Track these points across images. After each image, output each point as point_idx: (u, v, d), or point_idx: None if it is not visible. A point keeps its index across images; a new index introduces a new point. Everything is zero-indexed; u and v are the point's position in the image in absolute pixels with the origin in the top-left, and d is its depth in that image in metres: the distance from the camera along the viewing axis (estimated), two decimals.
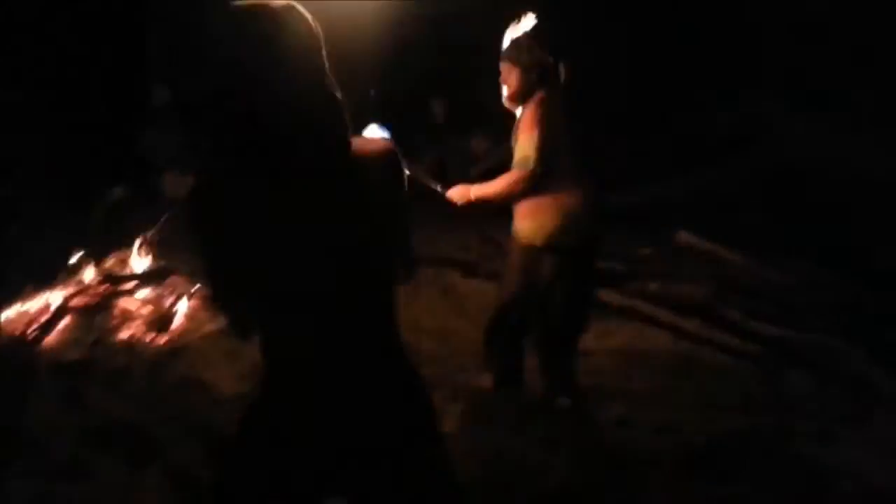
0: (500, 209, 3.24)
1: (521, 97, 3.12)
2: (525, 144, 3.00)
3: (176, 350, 3.80)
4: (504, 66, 3.14)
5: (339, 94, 1.41)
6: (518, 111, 3.20)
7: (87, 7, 6.88)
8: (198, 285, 4.57)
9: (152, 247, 5.00)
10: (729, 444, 3.11)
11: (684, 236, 5.52)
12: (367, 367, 1.49)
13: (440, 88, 7.28)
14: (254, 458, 1.51)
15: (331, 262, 1.40)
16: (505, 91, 3.17)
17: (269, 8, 1.34)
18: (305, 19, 1.37)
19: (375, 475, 1.49)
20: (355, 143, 1.44)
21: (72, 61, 6.62)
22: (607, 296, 4.38)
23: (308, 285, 1.41)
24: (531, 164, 2.98)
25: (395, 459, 1.50)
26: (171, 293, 4.46)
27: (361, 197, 1.42)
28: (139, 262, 4.81)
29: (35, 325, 3.98)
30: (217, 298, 1.51)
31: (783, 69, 6.32)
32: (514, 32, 3.16)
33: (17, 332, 3.94)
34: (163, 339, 3.95)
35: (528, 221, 3.18)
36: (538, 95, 3.03)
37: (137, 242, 4.90)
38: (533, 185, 3.03)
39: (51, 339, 3.89)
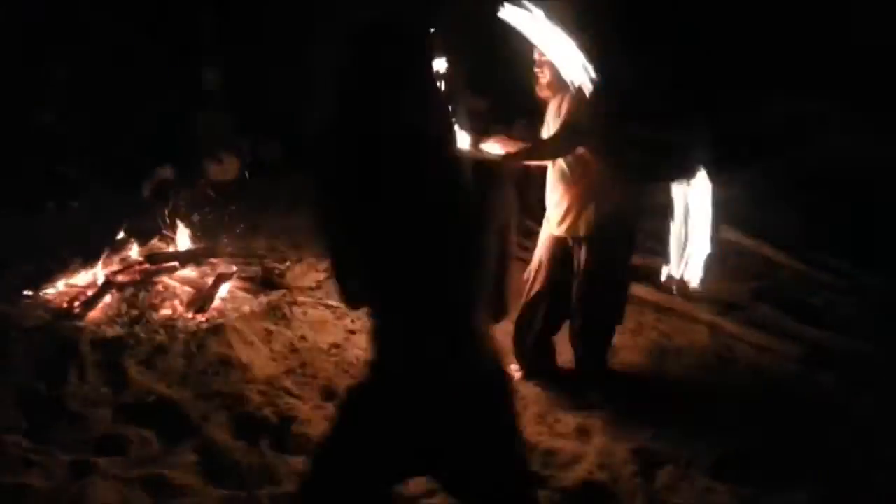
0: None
1: (556, 87, 3.10)
2: (563, 119, 3.07)
3: (214, 329, 3.87)
4: (540, 56, 3.12)
5: (450, 105, 1.63)
6: (553, 101, 3.19)
7: None
8: (237, 266, 4.65)
9: (195, 227, 5.09)
10: (761, 444, 3.06)
11: (727, 232, 5.40)
12: (456, 354, 1.60)
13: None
14: (361, 427, 1.65)
15: (426, 251, 1.56)
16: (541, 79, 3.15)
17: (395, 26, 1.56)
18: (427, 32, 1.61)
19: (465, 456, 1.62)
20: (467, 153, 1.68)
21: (124, 41, 6.76)
22: (644, 291, 4.31)
23: (408, 264, 1.56)
24: (565, 132, 3.07)
25: (483, 443, 1.62)
26: (212, 273, 4.53)
27: (454, 199, 1.55)
28: (182, 241, 4.90)
29: (79, 300, 4.09)
30: (336, 271, 1.66)
31: (830, 68, 6.14)
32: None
33: (62, 306, 4.05)
34: (202, 319, 4.03)
35: (571, 211, 3.18)
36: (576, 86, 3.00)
37: (180, 222, 4.99)
38: (560, 152, 3.14)
39: (94, 313, 3.99)
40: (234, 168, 6.90)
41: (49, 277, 4.33)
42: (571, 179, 3.18)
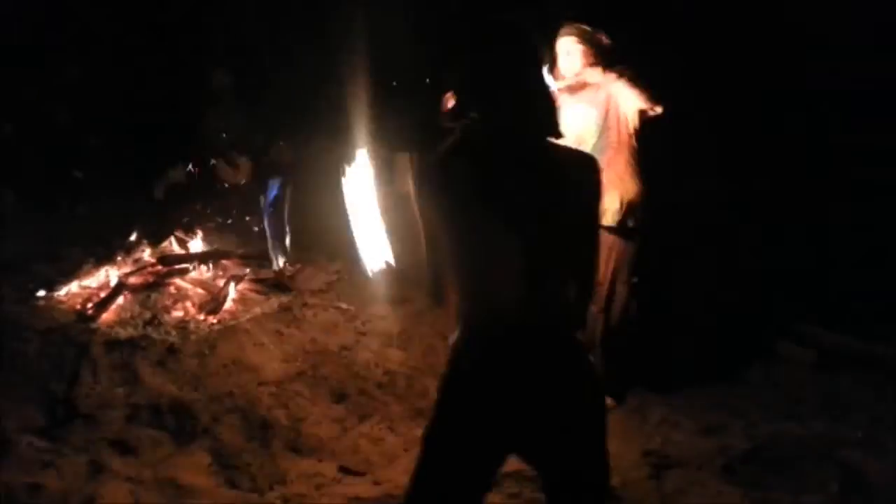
0: None
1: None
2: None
3: (226, 331, 3.90)
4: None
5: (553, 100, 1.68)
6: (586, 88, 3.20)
7: None
8: (248, 269, 4.68)
9: (207, 229, 5.12)
10: (772, 448, 3.03)
11: None
12: (547, 344, 1.64)
13: None
14: (456, 416, 1.66)
15: (523, 240, 1.58)
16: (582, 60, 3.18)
17: (511, 24, 1.63)
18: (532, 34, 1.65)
19: (551, 442, 1.64)
20: (563, 148, 1.66)
21: (132, 42, 6.79)
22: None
23: (502, 258, 1.59)
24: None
25: (570, 431, 1.63)
26: (224, 276, 4.56)
27: (556, 190, 1.60)
28: (194, 243, 4.94)
29: (92, 301, 4.12)
30: (429, 262, 1.76)
31: None
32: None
33: (76, 308, 4.09)
34: (213, 320, 4.05)
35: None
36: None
37: (193, 224, 5.03)
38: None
39: (107, 315, 4.03)
40: (247, 170, 6.91)
41: (62, 279, 4.37)
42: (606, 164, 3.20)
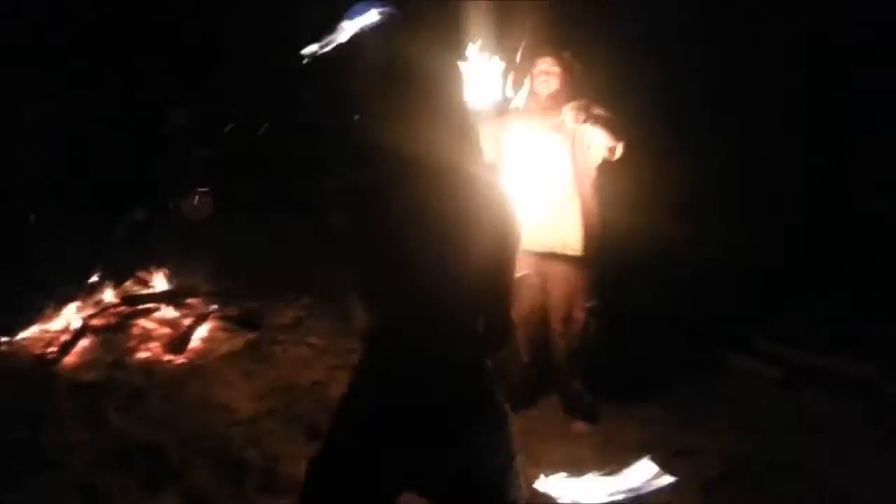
0: None
1: (559, 101, 3.22)
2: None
3: (193, 370, 3.83)
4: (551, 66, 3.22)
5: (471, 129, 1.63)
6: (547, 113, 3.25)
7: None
8: (214, 306, 4.61)
9: (170, 268, 5.05)
10: (748, 466, 3.08)
11: None
12: (451, 370, 1.60)
13: None
14: (347, 442, 1.63)
15: (436, 261, 1.56)
16: (544, 89, 3.24)
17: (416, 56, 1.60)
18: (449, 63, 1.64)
19: (448, 474, 1.61)
20: (481, 170, 1.63)
21: (88, 80, 6.72)
22: None
23: (414, 278, 1.57)
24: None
25: (472, 465, 1.61)
26: (190, 314, 4.49)
27: (468, 210, 1.57)
28: (158, 282, 4.86)
29: (55, 345, 4.02)
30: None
31: None
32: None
33: (37, 352, 3.98)
34: (180, 360, 3.98)
35: (567, 227, 3.25)
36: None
37: (155, 263, 4.96)
38: None
39: (70, 358, 3.93)
40: (208, 207, 6.85)
41: (23, 323, 4.26)
42: (571, 194, 3.24)
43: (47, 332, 4.24)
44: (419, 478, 1.63)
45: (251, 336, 4.34)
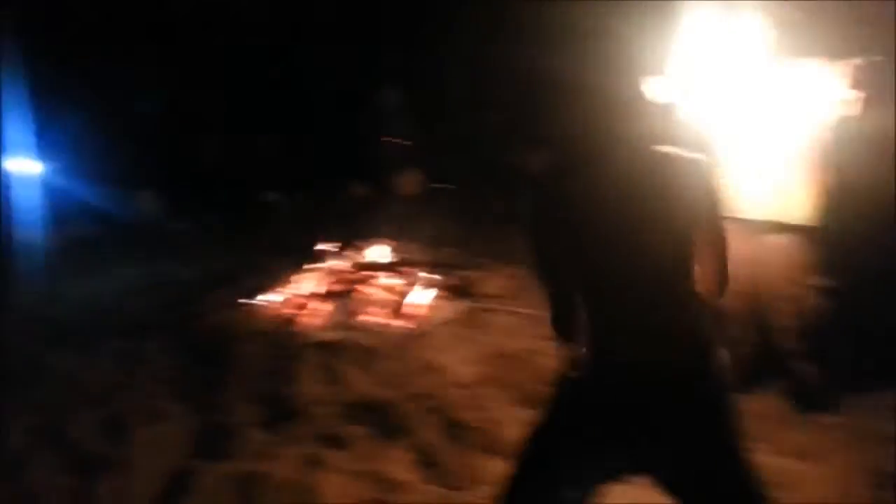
0: None
1: None
2: None
3: (414, 334, 4.07)
4: None
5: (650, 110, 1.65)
6: None
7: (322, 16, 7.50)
8: (430, 275, 4.87)
9: (389, 240, 5.39)
10: None
11: None
12: (674, 361, 1.59)
13: None
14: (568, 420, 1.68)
15: (636, 251, 1.57)
16: None
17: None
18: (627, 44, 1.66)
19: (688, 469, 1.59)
20: (670, 151, 1.61)
21: (310, 64, 7.29)
22: None
23: (620, 271, 1.59)
24: None
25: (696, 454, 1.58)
26: (408, 282, 4.78)
27: (663, 196, 1.58)
28: (378, 253, 5.21)
29: (294, 307, 4.47)
30: (544, 283, 1.73)
31: None
32: None
33: (282, 313, 4.44)
34: (403, 324, 4.25)
35: None
36: None
37: (376, 235, 5.32)
38: None
39: (309, 319, 4.34)
40: (419, 182, 7.20)
41: (267, 287, 4.76)
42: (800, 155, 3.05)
43: (287, 295, 4.70)
44: (645, 466, 1.64)
45: (464, 304, 4.53)
